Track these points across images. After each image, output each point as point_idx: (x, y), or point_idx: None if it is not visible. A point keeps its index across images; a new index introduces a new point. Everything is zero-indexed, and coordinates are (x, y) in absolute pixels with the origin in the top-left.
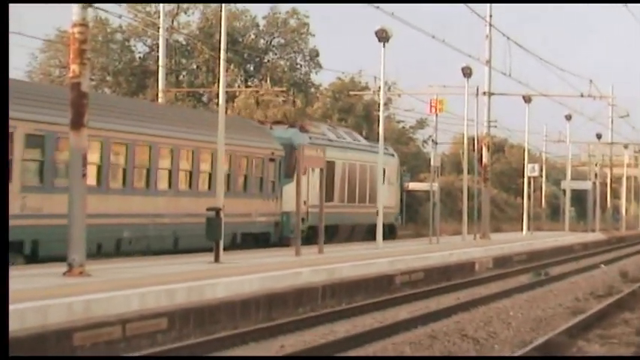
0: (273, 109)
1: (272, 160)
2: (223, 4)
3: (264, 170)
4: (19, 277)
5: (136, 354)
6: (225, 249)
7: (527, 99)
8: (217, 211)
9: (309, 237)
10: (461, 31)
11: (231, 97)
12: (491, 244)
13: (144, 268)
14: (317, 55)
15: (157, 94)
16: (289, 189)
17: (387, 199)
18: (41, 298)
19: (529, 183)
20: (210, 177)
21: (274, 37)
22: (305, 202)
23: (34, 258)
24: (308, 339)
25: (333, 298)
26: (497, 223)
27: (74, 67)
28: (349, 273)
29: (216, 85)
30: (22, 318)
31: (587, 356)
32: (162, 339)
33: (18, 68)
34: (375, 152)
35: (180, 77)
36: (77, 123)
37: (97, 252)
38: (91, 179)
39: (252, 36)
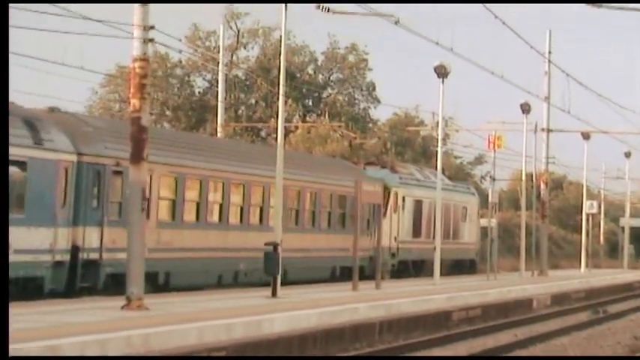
0: (332, 144)
1: None
2: (282, 42)
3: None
4: (78, 311)
5: None
6: (325, 281)
7: (585, 135)
8: (275, 246)
9: (400, 270)
10: (520, 66)
11: (288, 132)
12: (549, 281)
13: (201, 302)
14: (374, 88)
15: (216, 129)
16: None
17: (468, 235)
18: (100, 332)
19: (587, 220)
20: (314, 214)
21: (333, 73)
22: (395, 238)
23: (166, 288)
24: None
25: (391, 334)
26: (555, 260)
27: (134, 102)
28: (407, 309)
29: (274, 119)
30: (82, 351)
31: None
32: None
33: (78, 102)
34: (456, 191)
35: (239, 112)
36: (137, 157)
37: (218, 283)
38: (215, 216)
39: (311, 71)
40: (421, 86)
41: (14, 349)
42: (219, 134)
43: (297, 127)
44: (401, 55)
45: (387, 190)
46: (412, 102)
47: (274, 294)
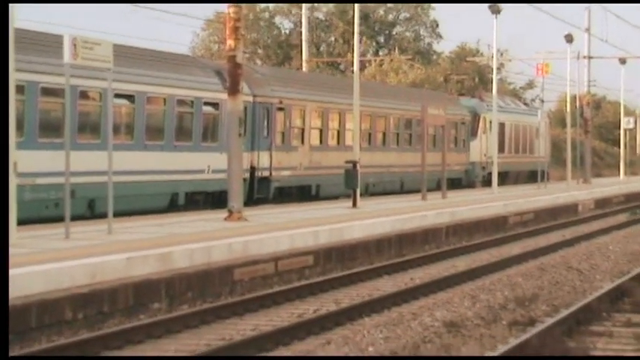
0: (402, 75)
1: (463, 123)
2: None
3: (457, 131)
4: (186, 223)
5: (287, 287)
6: (431, 190)
7: (622, 61)
8: (354, 163)
9: (489, 181)
10: (563, 3)
11: (363, 66)
12: (593, 188)
13: (292, 213)
14: (437, 25)
15: (301, 64)
16: (474, 145)
17: (541, 150)
18: (206, 240)
19: (625, 134)
20: (420, 137)
21: (401, 12)
22: (485, 155)
23: (316, 197)
24: (433, 272)
25: (455, 237)
26: (597, 170)
27: (230, 42)
28: (469, 215)
29: (350, 54)
30: (191, 257)
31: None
32: (309, 273)
33: (183, 44)
34: (530, 114)
35: (320, 49)
36: (233, 90)
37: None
38: (349, 140)
39: (382, 11)
40: (482, 23)
41: (137, 256)
42: (303, 68)
43: (369, 62)
44: None
45: (477, 116)
46: (474, 37)
47: (354, 205)
